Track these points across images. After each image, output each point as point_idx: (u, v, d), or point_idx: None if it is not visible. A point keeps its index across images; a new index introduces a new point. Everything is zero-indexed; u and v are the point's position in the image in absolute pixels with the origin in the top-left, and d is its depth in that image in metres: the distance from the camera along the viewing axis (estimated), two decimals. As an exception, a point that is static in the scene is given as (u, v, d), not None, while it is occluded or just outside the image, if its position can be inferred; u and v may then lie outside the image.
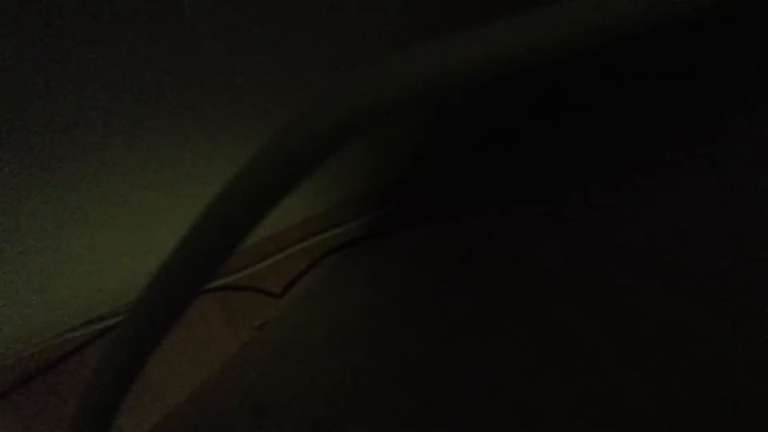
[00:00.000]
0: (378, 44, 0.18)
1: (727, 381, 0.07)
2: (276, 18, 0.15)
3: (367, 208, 0.37)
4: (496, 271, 0.16)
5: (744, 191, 0.12)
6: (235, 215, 0.08)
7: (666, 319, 0.09)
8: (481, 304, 0.14)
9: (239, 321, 0.38)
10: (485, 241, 0.20)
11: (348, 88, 0.07)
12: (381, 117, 0.07)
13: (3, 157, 0.15)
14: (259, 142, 0.21)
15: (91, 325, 0.37)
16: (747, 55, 0.18)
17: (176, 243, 0.08)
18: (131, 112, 0.16)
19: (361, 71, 0.07)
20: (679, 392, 0.08)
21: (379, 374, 0.13)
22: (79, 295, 0.30)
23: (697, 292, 0.10)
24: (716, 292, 0.09)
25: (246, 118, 0.20)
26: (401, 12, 0.17)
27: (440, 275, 0.19)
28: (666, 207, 0.13)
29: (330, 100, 0.07)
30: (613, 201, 0.16)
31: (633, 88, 0.26)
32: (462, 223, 0.26)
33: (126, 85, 0.15)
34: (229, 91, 0.17)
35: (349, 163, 0.28)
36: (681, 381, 0.08)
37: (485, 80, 0.07)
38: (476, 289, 0.15)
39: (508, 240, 0.19)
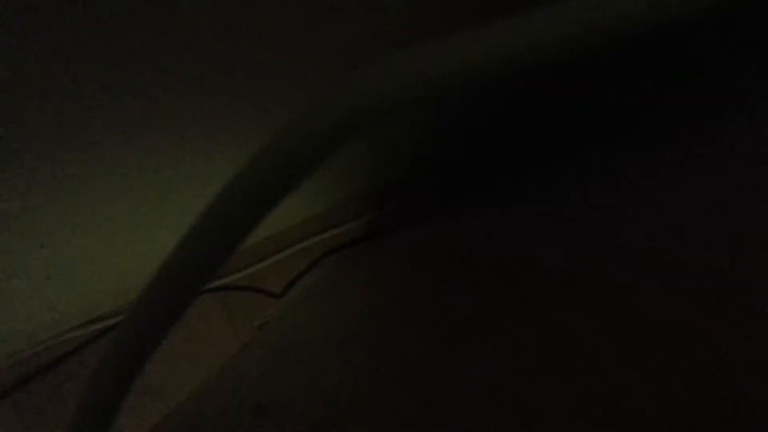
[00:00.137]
0: (378, 44, 0.18)
1: (727, 381, 0.07)
2: (276, 18, 0.15)
3: (367, 208, 0.37)
4: (496, 271, 0.16)
5: (744, 191, 0.12)
6: (235, 215, 0.08)
7: (666, 319, 0.09)
8: (481, 304, 0.14)
9: (239, 321, 0.38)
10: (485, 241, 0.20)
11: (348, 88, 0.07)
12: (381, 117, 0.07)
13: (3, 157, 0.15)
14: (259, 142, 0.21)
15: (91, 325, 0.37)
16: (747, 55, 0.18)
17: (176, 243, 0.08)
18: (131, 112, 0.16)
19: (361, 71, 0.07)
20: (679, 392, 0.08)
21: (379, 374, 0.13)
22: (79, 295, 0.30)
23: (697, 292, 0.10)
24: (716, 292, 0.09)
25: (246, 118, 0.20)
26: (401, 12, 0.17)
27: (440, 275, 0.19)
28: (666, 207, 0.13)
29: (330, 100, 0.07)
30: (613, 201, 0.16)
31: (633, 88, 0.26)
32: (462, 223, 0.26)
33: (126, 85, 0.15)
34: (229, 91, 0.17)
35: (349, 163, 0.28)
36: (681, 381, 0.08)
37: (485, 80, 0.07)
38: (476, 289, 0.15)
39: (508, 240, 0.19)
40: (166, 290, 0.08)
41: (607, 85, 0.29)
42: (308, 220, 0.37)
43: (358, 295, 0.21)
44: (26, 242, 0.21)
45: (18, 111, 0.14)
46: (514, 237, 0.19)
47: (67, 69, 0.13)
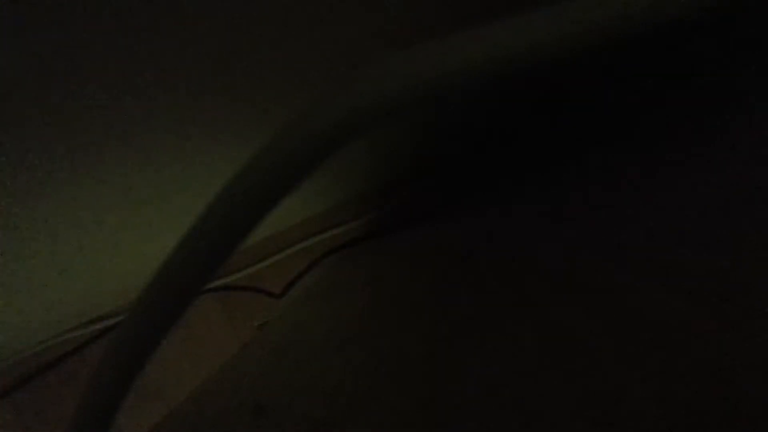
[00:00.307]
0: (378, 44, 0.18)
1: (727, 381, 0.07)
2: (276, 18, 0.15)
3: (367, 208, 0.37)
4: (496, 271, 0.16)
5: (744, 191, 0.12)
6: (235, 215, 0.08)
7: (666, 319, 0.09)
8: (481, 304, 0.14)
9: (239, 321, 0.38)
10: (485, 241, 0.20)
11: (348, 88, 0.07)
12: (381, 117, 0.07)
13: (2, 158, 0.15)
14: (259, 142, 0.21)
15: (91, 325, 0.37)
16: (747, 55, 0.18)
17: (176, 243, 0.08)
18: (131, 112, 0.16)
19: (361, 71, 0.07)
20: (679, 392, 0.08)
21: (379, 374, 0.13)
22: (79, 295, 0.30)
23: (697, 292, 0.10)
24: (716, 292, 0.09)
25: (246, 118, 0.20)
26: (401, 12, 0.17)
27: (440, 275, 0.19)
28: (666, 207, 0.13)
29: (330, 100, 0.07)
30: (613, 201, 0.16)
31: (633, 88, 0.26)
32: (462, 223, 0.26)
33: (126, 85, 0.15)
34: (229, 91, 0.17)
35: (349, 163, 0.28)
36: (681, 381, 0.08)
37: (485, 80, 0.07)
38: (476, 289, 0.15)
39: (508, 240, 0.19)
40: (166, 290, 0.08)
41: (607, 85, 0.29)
42: (308, 220, 0.37)
43: (358, 295, 0.21)
44: (26, 242, 0.21)
45: (18, 111, 0.14)
46: (514, 237, 0.19)
47: (67, 69, 0.13)
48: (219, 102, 0.18)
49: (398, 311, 0.17)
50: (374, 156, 0.29)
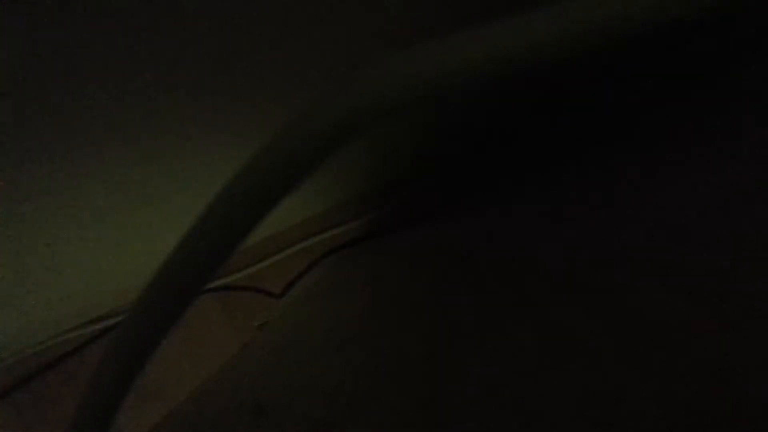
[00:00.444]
0: (378, 44, 0.18)
1: (727, 381, 0.07)
2: (276, 18, 0.15)
3: (367, 208, 0.36)
4: (496, 271, 0.16)
5: (744, 191, 0.12)
6: (235, 215, 0.08)
7: (666, 319, 0.09)
8: (481, 304, 0.14)
9: (239, 321, 0.38)
10: (485, 241, 0.20)
11: (348, 88, 0.07)
12: (381, 117, 0.07)
13: (2, 158, 0.15)
14: (259, 142, 0.21)
15: (91, 325, 0.37)
16: (747, 55, 0.18)
17: (176, 243, 0.08)
18: (131, 112, 0.16)
19: (361, 71, 0.07)
20: (679, 392, 0.08)
21: (379, 374, 0.13)
22: (79, 295, 0.30)
23: (697, 292, 0.10)
24: (716, 292, 0.09)
25: (246, 118, 0.20)
26: (401, 12, 0.17)
27: (440, 275, 0.19)
28: (666, 207, 0.13)
29: (330, 100, 0.07)
30: (613, 201, 0.16)
31: (633, 88, 0.26)
32: (462, 223, 0.26)
33: (126, 85, 0.15)
34: (229, 91, 0.17)
35: (349, 163, 0.28)
36: (681, 381, 0.08)
37: (485, 80, 0.07)
38: (476, 289, 0.15)
39: (508, 240, 0.19)
40: (166, 290, 0.08)
41: (607, 85, 0.29)
42: (308, 220, 0.37)
43: (358, 295, 0.21)
44: (26, 242, 0.21)
45: (18, 111, 0.14)
46: (514, 237, 0.19)
47: (67, 69, 0.13)
48: (219, 102, 0.18)
49: (398, 311, 0.17)
50: (374, 156, 0.29)
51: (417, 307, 0.16)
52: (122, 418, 0.37)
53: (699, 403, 0.07)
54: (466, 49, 0.07)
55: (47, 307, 0.29)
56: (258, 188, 0.08)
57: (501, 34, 0.07)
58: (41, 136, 0.15)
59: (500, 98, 0.30)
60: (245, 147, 0.22)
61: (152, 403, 0.38)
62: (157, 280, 0.08)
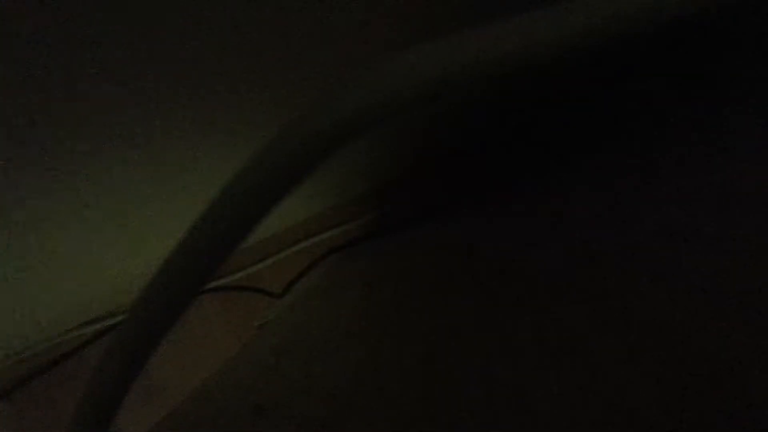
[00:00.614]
0: (378, 44, 0.18)
1: (728, 381, 0.07)
2: (276, 18, 0.15)
3: (367, 208, 0.37)
4: (496, 271, 0.16)
5: (744, 191, 0.12)
6: (235, 215, 0.08)
7: (666, 319, 0.09)
8: (481, 304, 0.14)
9: (239, 321, 0.38)
10: (485, 241, 0.20)
11: (348, 88, 0.07)
12: (381, 117, 0.07)
13: (2, 158, 0.15)
14: (259, 142, 0.21)
15: (90, 325, 0.37)
16: (747, 55, 0.18)
17: (176, 243, 0.08)
18: (131, 112, 0.16)
19: (361, 71, 0.07)
20: (679, 392, 0.08)
21: (379, 374, 0.13)
22: (78, 295, 0.30)
23: (697, 292, 0.10)
24: (716, 292, 0.09)
25: (246, 118, 0.20)
26: (401, 12, 0.17)
27: (440, 275, 0.19)
28: (666, 207, 0.13)
29: (330, 100, 0.07)
30: (613, 201, 0.16)
31: (633, 88, 0.26)
32: (462, 223, 0.26)
33: (126, 85, 0.15)
34: (229, 91, 0.17)
35: (349, 163, 0.28)
36: (681, 381, 0.08)
37: (485, 80, 0.07)
38: (476, 289, 0.15)
39: (508, 240, 0.19)
40: (166, 290, 0.08)
41: (606, 85, 0.29)
42: (308, 220, 0.37)
43: (359, 295, 0.21)
44: (26, 242, 0.21)
45: (18, 111, 0.14)
46: (514, 237, 0.19)
47: (67, 69, 0.13)
48: (219, 102, 0.18)
49: (398, 311, 0.17)
50: (374, 156, 0.29)
51: (417, 307, 0.16)
52: (122, 418, 0.37)
53: (699, 403, 0.07)
54: (466, 49, 0.07)
55: (47, 307, 0.29)
56: (258, 188, 0.08)
57: (501, 34, 0.07)
58: (41, 136, 0.15)
59: (500, 98, 0.30)
60: (245, 147, 0.22)
61: (152, 403, 0.38)
62: (157, 280, 0.08)
